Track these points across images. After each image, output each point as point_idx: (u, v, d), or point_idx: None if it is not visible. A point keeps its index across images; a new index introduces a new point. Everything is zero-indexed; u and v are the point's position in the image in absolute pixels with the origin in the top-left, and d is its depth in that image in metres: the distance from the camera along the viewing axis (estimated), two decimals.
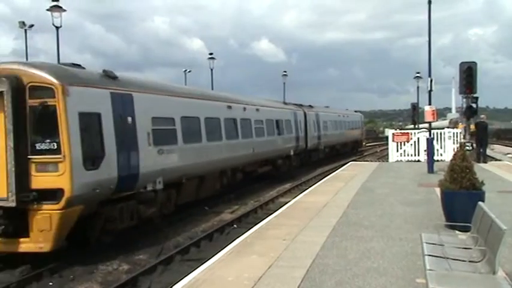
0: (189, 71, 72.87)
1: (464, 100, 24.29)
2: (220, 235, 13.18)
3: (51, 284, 9.33)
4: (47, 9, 20.00)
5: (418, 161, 24.80)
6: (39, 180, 9.80)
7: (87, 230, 10.91)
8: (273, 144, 23.59)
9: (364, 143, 53.73)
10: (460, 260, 5.41)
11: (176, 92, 15.41)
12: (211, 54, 35.54)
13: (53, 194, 9.81)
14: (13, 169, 9.61)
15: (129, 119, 11.91)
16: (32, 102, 9.87)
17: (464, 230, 6.91)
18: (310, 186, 16.96)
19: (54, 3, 20.22)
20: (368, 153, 44.31)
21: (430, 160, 19.62)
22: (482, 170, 16.93)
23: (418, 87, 45.27)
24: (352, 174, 19.36)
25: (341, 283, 6.26)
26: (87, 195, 10.26)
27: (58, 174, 9.78)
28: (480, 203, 6.57)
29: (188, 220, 14.65)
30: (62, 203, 9.74)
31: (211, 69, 35.08)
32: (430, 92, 19.68)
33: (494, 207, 8.61)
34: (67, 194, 9.74)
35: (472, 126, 24.00)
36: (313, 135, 31.35)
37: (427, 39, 19.72)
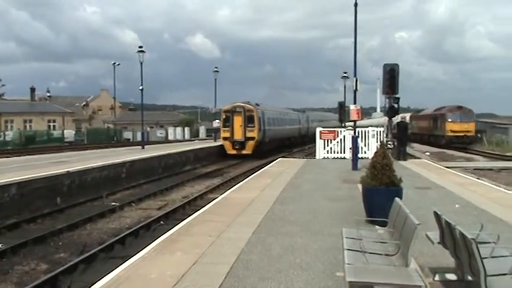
0: (118, 64, 70.91)
1: (387, 100, 25.29)
2: (147, 232, 12.93)
3: None
4: None
5: (344, 158, 25.63)
6: (248, 133, 36.45)
7: (255, 150, 36.29)
8: (292, 130, 50.12)
9: None
10: (376, 254, 5.61)
11: (270, 109, 43.11)
12: (141, 47, 34.81)
13: (252, 138, 36.48)
14: (244, 131, 36.64)
15: (263, 117, 38.30)
16: (247, 114, 36.83)
17: (383, 224, 7.15)
18: (239, 182, 17.02)
19: None
20: (296, 149, 45.29)
21: (355, 157, 20.33)
22: (402, 168, 17.78)
23: (345, 87, 46.78)
24: (280, 170, 19.66)
25: (264, 279, 6.33)
26: (258, 139, 37.01)
27: (254, 132, 36.59)
28: (396, 198, 6.83)
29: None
30: (254, 140, 36.61)
31: (141, 63, 34.49)
32: (355, 91, 20.37)
33: (411, 203, 9.07)
34: (256, 138, 36.68)
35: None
36: (305, 127, 56.39)
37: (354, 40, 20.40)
